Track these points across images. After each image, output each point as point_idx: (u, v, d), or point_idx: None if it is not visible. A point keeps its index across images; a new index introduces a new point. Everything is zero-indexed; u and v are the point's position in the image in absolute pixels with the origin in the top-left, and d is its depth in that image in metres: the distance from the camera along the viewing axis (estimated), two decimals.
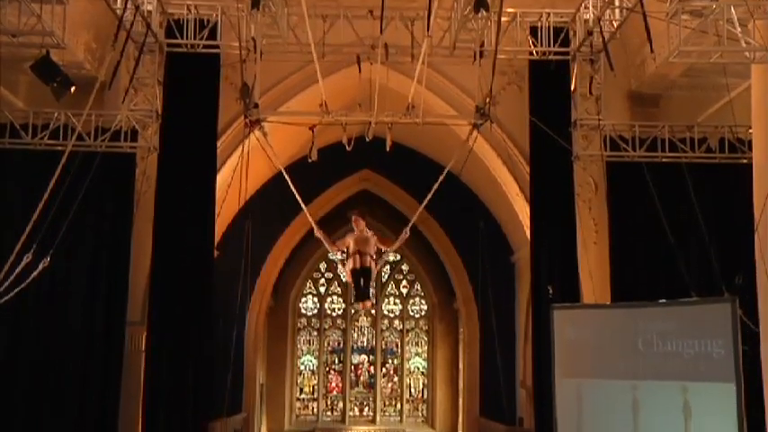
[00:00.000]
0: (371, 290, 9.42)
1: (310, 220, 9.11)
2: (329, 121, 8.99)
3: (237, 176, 9.87)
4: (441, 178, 9.12)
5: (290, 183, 8.95)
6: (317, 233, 8.98)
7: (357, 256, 8.82)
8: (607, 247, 9.90)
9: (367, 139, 9.07)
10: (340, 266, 9.71)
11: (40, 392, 9.22)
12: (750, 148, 8.84)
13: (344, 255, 9.26)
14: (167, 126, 9.80)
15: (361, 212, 9.55)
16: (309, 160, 9.27)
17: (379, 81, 8.47)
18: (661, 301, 8.40)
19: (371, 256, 8.99)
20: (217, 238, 10.84)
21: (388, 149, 9.16)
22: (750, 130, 8.78)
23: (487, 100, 8.72)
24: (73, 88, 8.85)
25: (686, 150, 9.87)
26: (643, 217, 9.57)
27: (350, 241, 9.03)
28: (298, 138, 11.34)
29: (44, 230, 8.13)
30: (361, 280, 9.08)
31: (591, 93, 9.95)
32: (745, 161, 9.43)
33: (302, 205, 9.46)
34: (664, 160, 9.87)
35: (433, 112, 10.44)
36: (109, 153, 9.60)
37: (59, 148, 9.18)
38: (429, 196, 9.23)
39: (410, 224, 9.92)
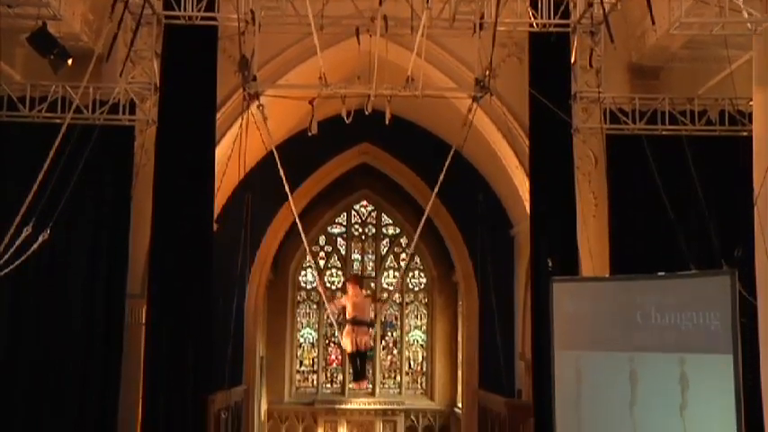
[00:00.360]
0: (368, 369, 10.25)
1: (319, 284, 9.43)
2: (328, 94, 8.98)
3: (237, 149, 9.88)
4: (448, 162, 9.17)
5: (279, 166, 9.00)
6: (319, 286, 9.38)
7: (353, 336, 9.18)
8: (606, 221, 9.91)
9: (366, 112, 9.06)
10: (330, 308, 10.12)
11: (41, 365, 9.27)
12: (750, 121, 8.83)
13: (340, 318, 9.81)
14: (166, 99, 9.76)
15: (357, 279, 10.57)
16: (309, 134, 9.27)
17: (379, 53, 8.44)
18: (660, 273, 8.44)
19: (368, 326, 9.39)
20: (216, 211, 10.85)
21: (387, 122, 9.16)
22: (750, 103, 8.77)
23: (487, 72, 8.71)
24: (70, 60, 8.81)
25: (686, 123, 9.85)
26: (643, 190, 9.58)
27: (345, 303, 9.43)
28: (297, 111, 11.31)
29: (43, 204, 8.15)
30: (358, 361, 9.67)
31: (591, 65, 9.90)
32: (745, 134, 9.40)
33: (292, 206, 9.77)
34: (664, 133, 9.85)
35: (432, 85, 10.40)
36: (107, 126, 9.59)
37: (57, 121, 9.15)
38: (439, 182, 9.27)
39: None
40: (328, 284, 18.94)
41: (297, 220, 9.85)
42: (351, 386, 18.10)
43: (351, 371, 10.44)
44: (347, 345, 9.30)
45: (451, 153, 9.33)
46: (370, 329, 9.70)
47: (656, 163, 9.24)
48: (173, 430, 9.28)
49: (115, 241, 9.65)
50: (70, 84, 9.32)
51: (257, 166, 12.22)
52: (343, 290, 14.49)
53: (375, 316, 10.12)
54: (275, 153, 9.08)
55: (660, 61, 10.47)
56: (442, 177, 9.30)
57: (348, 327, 9.36)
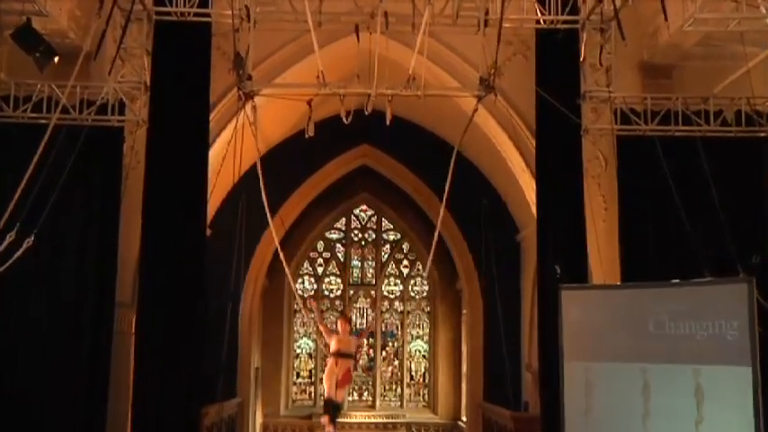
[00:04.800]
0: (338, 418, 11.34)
1: (319, 323, 11.47)
2: (326, 94, 8.94)
3: (231, 151, 9.84)
4: (452, 166, 9.15)
5: (261, 182, 9.02)
6: (320, 325, 11.53)
7: (336, 373, 10.57)
8: (617, 226, 9.86)
9: (366, 113, 9.02)
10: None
11: (27, 375, 9.21)
12: None
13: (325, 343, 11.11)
14: (156, 98, 9.72)
15: (347, 318, 12.16)
16: (306, 136, 9.24)
17: (379, 51, 8.41)
18: (673, 281, 8.39)
19: (351, 357, 10.93)
20: (210, 215, 10.81)
21: (388, 123, 9.12)
22: None
23: (492, 71, 8.68)
24: (56, 58, 8.78)
25: (701, 123, 9.80)
26: (655, 194, 9.52)
27: (334, 338, 10.75)
28: (293, 111, 11.29)
29: (28, 208, 8.10)
30: (331, 409, 10.94)
31: (601, 63, 9.86)
32: (762, 135, 9.37)
33: (273, 232, 10.06)
34: (677, 134, 9.80)
35: (435, 85, 10.38)
36: (95, 127, 9.55)
37: (43, 121, 9.11)
38: (446, 192, 9.31)
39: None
40: (326, 292, 18.90)
41: (278, 249, 10.49)
42: (350, 398, 18.01)
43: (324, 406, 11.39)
44: (325, 386, 10.64)
45: (454, 155, 9.30)
46: (353, 361, 11.24)
47: (668, 165, 9.19)
48: None
49: (103, 247, 9.60)
50: (56, 83, 9.28)
51: (252, 168, 12.17)
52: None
53: (359, 348, 12.07)
54: (258, 165, 9.12)
55: (673, 59, 10.43)
56: (448, 186, 9.26)
57: (332, 359, 10.75)
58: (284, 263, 10.55)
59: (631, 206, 9.78)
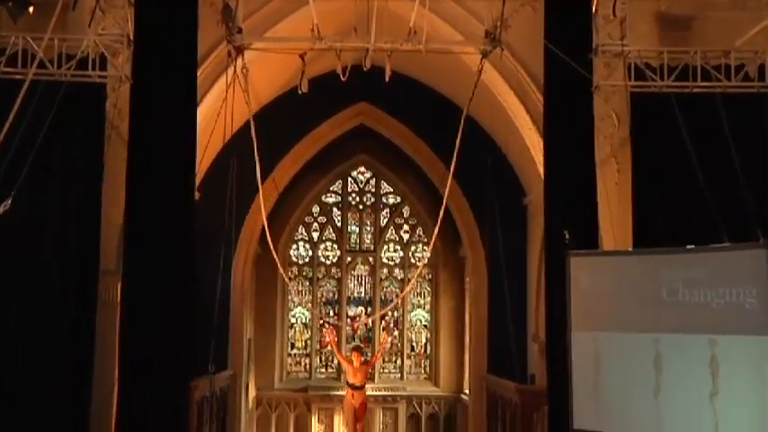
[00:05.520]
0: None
1: (337, 352, 15.29)
2: (322, 48, 8.88)
3: (221, 109, 9.78)
4: (460, 132, 9.10)
5: (255, 143, 8.96)
6: (338, 355, 15.17)
7: (352, 420, 13.63)
8: (629, 188, 9.84)
9: (364, 69, 8.97)
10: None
11: (5, 350, 9.23)
12: None
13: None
14: (140, 53, 9.60)
15: (361, 351, 14.56)
16: (300, 92, 9.19)
17: (378, 3, 8.33)
18: (689, 246, 8.37)
19: (363, 388, 13.76)
20: (198, 178, 10.77)
21: (387, 80, 9.08)
22: None
23: (498, 24, 8.61)
24: (31, 8, 8.65)
25: (721, 79, 9.72)
26: (671, 154, 9.47)
27: (349, 368, 13.81)
28: (287, 67, 11.22)
29: (3, 171, 8.06)
30: None
31: (614, 15, 9.77)
32: None
33: (261, 206, 9.97)
34: (695, 90, 9.73)
35: (437, 38, 10.27)
36: (75, 83, 9.44)
37: (18, 77, 9.03)
38: (454, 161, 9.24)
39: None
40: (322, 259, 18.94)
41: (265, 225, 10.56)
42: (349, 356, 18.11)
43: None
44: (348, 428, 13.95)
45: (463, 121, 9.26)
46: (365, 390, 14.03)
47: (686, 124, 9.13)
48: (151, 419, 9.24)
49: (85, 212, 9.57)
50: (32, 35, 9.17)
51: (244, 128, 12.12)
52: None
53: (368, 374, 14.65)
54: (252, 124, 9.03)
55: (692, 9, 10.34)
56: (456, 154, 9.22)
57: (348, 392, 13.82)
58: (271, 246, 10.51)
59: (645, 168, 9.75)
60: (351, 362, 13.78)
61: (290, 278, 18.61)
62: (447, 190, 10.19)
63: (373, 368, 16.54)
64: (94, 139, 9.63)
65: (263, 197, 10.91)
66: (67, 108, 9.23)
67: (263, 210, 11.10)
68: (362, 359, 14.05)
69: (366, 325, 18.74)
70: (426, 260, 16.56)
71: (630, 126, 9.78)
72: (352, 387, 13.54)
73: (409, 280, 18.37)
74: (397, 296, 18.69)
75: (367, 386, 14.83)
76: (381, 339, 17.94)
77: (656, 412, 8.17)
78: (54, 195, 9.53)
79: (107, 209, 9.67)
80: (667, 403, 8.10)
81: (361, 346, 16.90)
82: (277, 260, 12.22)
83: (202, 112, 10.26)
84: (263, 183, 9.73)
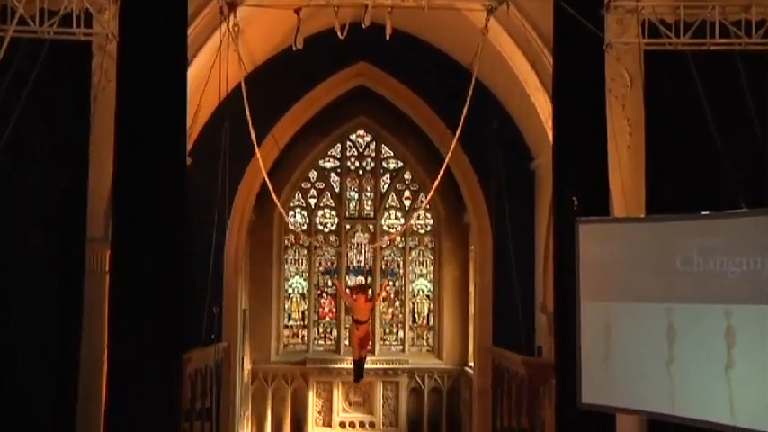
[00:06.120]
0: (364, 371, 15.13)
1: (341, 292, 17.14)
2: (318, 5, 8.80)
3: (213, 69, 9.72)
4: (469, 96, 9.04)
5: (246, 107, 8.91)
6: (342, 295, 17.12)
7: (357, 337, 14.53)
8: (643, 152, 9.79)
9: (363, 26, 8.89)
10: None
11: None
12: None
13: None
14: (127, 9, 9.50)
15: (365, 292, 15.72)
16: (294, 48, 9.12)
17: None
18: (704, 213, 8.35)
19: (366, 323, 14.60)
20: (190, 142, 10.74)
21: (387, 38, 9.00)
22: None
23: None
24: None
25: (740, 36, 9.62)
26: (686, 116, 9.41)
27: (354, 306, 14.78)
28: (282, 25, 11.14)
29: None
30: (357, 366, 14.79)
31: None
32: None
33: (260, 163, 9.97)
34: (712, 48, 9.64)
35: None
36: (59, 41, 9.34)
37: None
38: (461, 123, 9.21)
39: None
40: (320, 227, 18.95)
41: (267, 180, 10.45)
42: (346, 342, 18.22)
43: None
44: (354, 354, 14.80)
45: (472, 83, 9.19)
46: (368, 323, 14.92)
47: (702, 84, 9.06)
48: (141, 393, 9.28)
49: (72, 177, 9.54)
50: None
51: (237, 90, 12.06)
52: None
53: (372, 310, 15.43)
54: (243, 87, 8.97)
55: None
56: (463, 119, 9.16)
57: (353, 326, 14.73)
58: (274, 197, 10.52)
59: (659, 130, 9.69)
60: (356, 300, 14.76)
61: (286, 247, 18.66)
62: (450, 151, 10.15)
63: (374, 306, 16.83)
64: (80, 101, 9.56)
65: (260, 159, 10.85)
66: (51, 68, 9.16)
67: (262, 167, 11.04)
68: (366, 298, 15.02)
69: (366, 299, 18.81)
70: (429, 227, 16.57)
71: (644, 86, 9.71)
72: (357, 322, 14.53)
73: (411, 249, 18.41)
74: (399, 266, 18.78)
75: (367, 359, 15.03)
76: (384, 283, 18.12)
77: (668, 385, 8.20)
78: (37, 160, 9.49)
79: (94, 173, 9.64)
80: (680, 376, 8.13)
81: (365, 285, 17.91)
82: (281, 210, 12.29)
83: (193, 72, 10.19)
84: (258, 146, 9.67)
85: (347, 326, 18.62)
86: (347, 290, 17.07)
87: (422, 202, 18.87)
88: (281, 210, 12.78)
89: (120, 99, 9.49)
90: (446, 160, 10.32)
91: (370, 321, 15.53)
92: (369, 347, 15.95)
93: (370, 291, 17.72)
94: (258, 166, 15.71)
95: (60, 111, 9.58)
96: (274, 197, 10.87)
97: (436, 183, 10.70)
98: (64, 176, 9.52)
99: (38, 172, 9.49)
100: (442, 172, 10.18)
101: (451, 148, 10.06)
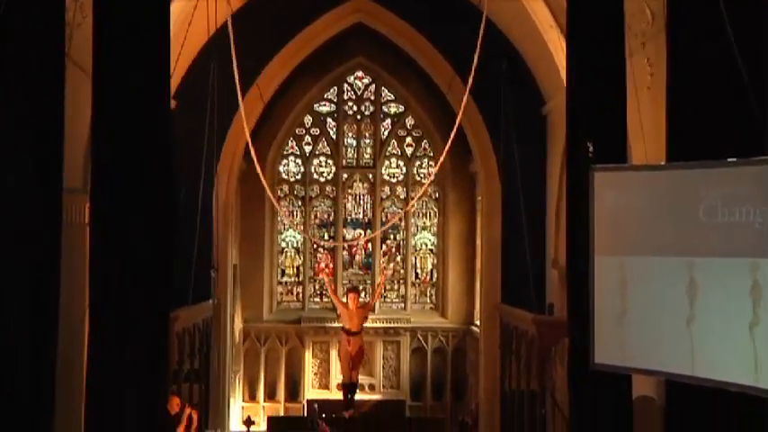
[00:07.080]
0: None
1: (332, 294, 16.06)
2: None
3: (199, 4, 9.61)
4: (480, 37, 8.94)
5: (232, 46, 8.82)
6: (332, 295, 15.88)
7: (348, 366, 13.93)
8: (664, 94, 9.69)
9: None
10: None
11: None
12: None
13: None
14: None
15: (357, 292, 15.25)
16: None
17: None
18: (730, 159, 8.29)
19: (359, 334, 14.14)
20: (174, 83, 10.65)
21: None
22: None
23: None
24: None
25: None
26: (712, 54, 9.27)
27: (344, 313, 14.22)
28: None
29: None
30: (348, 392, 14.23)
31: None
32: None
33: (244, 122, 9.84)
34: None
35: None
36: None
37: None
38: (473, 74, 9.10)
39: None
40: (316, 176, 18.92)
41: (249, 141, 10.55)
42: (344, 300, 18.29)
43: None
44: (340, 367, 14.09)
45: (483, 22, 9.07)
46: (362, 337, 14.53)
47: (730, 19, 8.93)
48: (125, 354, 9.30)
49: (46, 122, 9.44)
50: None
51: (225, 27, 11.95)
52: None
53: (366, 318, 14.90)
54: (229, 22, 8.88)
55: None
56: (474, 65, 9.07)
57: (344, 338, 14.12)
58: (257, 164, 10.46)
59: (683, 70, 9.55)
60: (346, 305, 13.96)
61: (279, 198, 18.62)
62: (462, 108, 10.07)
63: (373, 310, 16.85)
64: (54, 38, 9.43)
65: (244, 110, 10.83)
66: (21, 2, 9.02)
67: (245, 125, 11.02)
68: (360, 302, 14.23)
69: (365, 250, 18.82)
70: (433, 176, 16.54)
71: (666, 22, 9.59)
72: (348, 333, 13.69)
73: (413, 198, 18.39)
74: (400, 219, 18.78)
75: (368, 317, 15.06)
76: (381, 266, 18.04)
77: (688, 344, 8.20)
78: (9, 104, 9.39)
79: (70, 118, 9.55)
80: (701, 334, 8.12)
81: (359, 287, 17.19)
82: (264, 182, 12.22)
83: (178, 6, 10.08)
84: (244, 93, 9.59)
85: (345, 282, 18.68)
86: (344, 297, 15.75)
87: (425, 149, 18.85)
88: (265, 185, 12.87)
89: (97, 36, 9.37)
90: (458, 119, 10.23)
91: (363, 334, 14.94)
92: (363, 365, 15.24)
93: (363, 294, 17.59)
94: (249, 109, 15.72)
95: (32, 49, 9.46)
96: (258, 168, 10.81)
97: (448, 145, 10.60)
98: (37, 122, 9.44)
99: (8, 117, 9.41)
100: (453, 133, 10.04)
101: (463, 104, 9.97)
